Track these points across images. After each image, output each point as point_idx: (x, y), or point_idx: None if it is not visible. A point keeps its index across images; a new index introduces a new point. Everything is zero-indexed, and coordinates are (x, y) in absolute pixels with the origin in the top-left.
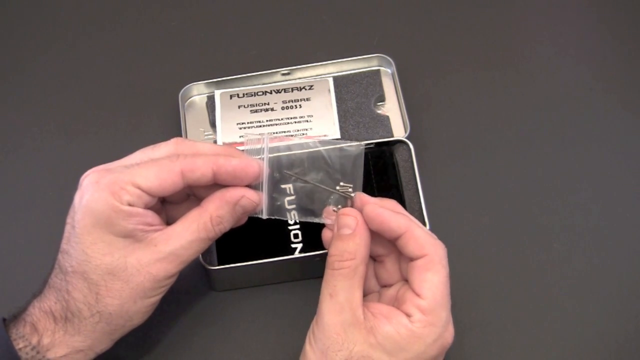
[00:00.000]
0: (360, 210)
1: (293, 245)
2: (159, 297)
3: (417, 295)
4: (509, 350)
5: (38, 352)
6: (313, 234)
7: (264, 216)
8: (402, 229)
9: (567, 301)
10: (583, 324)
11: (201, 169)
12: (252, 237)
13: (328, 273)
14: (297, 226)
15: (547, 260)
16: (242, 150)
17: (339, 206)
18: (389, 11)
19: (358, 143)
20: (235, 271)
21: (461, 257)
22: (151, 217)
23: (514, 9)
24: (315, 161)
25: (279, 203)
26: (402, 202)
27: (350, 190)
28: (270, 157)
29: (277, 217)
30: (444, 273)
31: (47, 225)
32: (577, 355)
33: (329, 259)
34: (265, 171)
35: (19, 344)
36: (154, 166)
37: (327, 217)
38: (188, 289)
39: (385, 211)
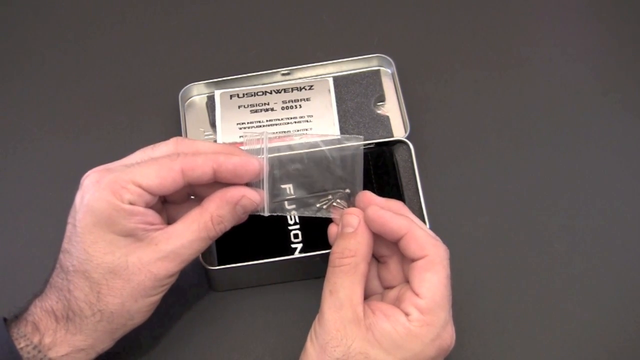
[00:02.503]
0: (364, 209)
1: (293, 246)
2: (159, 296)
3: (416, 294)
4: (509, 350)
5: (39, 352)
6: (313, 234)
7: (266, 214)
8: (402, 231)
9: (567, 301)
10: (583, 324)
11: (202, 167)
12: (252, 237)
13: (329, 270)
14: (297, 226)
15: (547, 260)
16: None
17: (339, 200)
18: (389, 11)
19: (357, 137)
20: (235, 271)
21: (461, 257)
22: (152, 216)
23: (514, 9)
24: (315, 159)
25: (280, 200)
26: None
27: (342, 190)
28: (270, 155)
29: (279, 214)
30: (444, 274)
31: (48, 225)
32: (577, 355)
33: (331, 257)
34: (266, 169)
35: (21, 343)
36: (154, 165)
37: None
38: (188, 289)
39: (387, 213)
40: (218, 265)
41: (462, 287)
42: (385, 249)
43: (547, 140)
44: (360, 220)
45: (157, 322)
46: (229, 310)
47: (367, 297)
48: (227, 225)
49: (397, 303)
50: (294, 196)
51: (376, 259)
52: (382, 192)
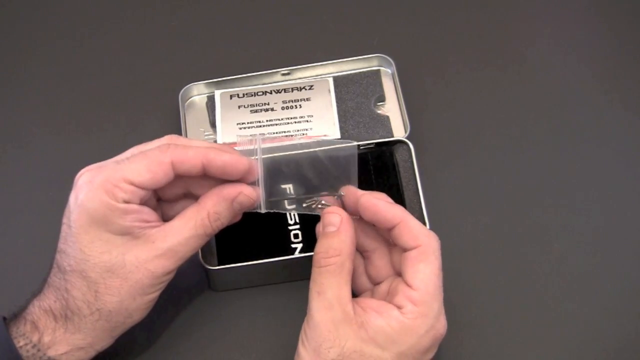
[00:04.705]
0: (353, 204)
1: (293, 245)
2: (157, 294)
3: (409, 286)
4: (509, 350)
5: (39, 350)
6: (313, 234)
7: (263, 210)
8: (397, 219)
9: (567, 301)
10: (583, 324)
11: (191, 160)
12: (252, 237)
13: (315, 271)
14: (297, 226)
15: (547, 260)
16: (238, 150)
17: (323, 202)
18: (389, 11)
19: (352, 142)
20: (235, 271)
21: (461, 257)
22: (147, 213)
23: (513, 8)
24: (310, 160)
25: (276, 198)
26: (402, 202)
27: (336, 192)
28: (265, 156)
29: (276, 211)
30: (437, 264)
31: (47, 225)
32: (577, 355)
33: (315, 257)
34: (260, 166)
35: (20, 342)
36: (144, 159)
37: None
38: (188, 289)
39: (381, 201)
40: (218, 265)
41: (462, 287)
42: (369, 242)
43: (547, 140)
44: (342, 218)
45: (157, 321)
46: (229, 310)
47: (358, 294)
48: (224, 222)
49: (388, 297)
50: (291, 196)
51: (360, 253)
52: (382, 192)
